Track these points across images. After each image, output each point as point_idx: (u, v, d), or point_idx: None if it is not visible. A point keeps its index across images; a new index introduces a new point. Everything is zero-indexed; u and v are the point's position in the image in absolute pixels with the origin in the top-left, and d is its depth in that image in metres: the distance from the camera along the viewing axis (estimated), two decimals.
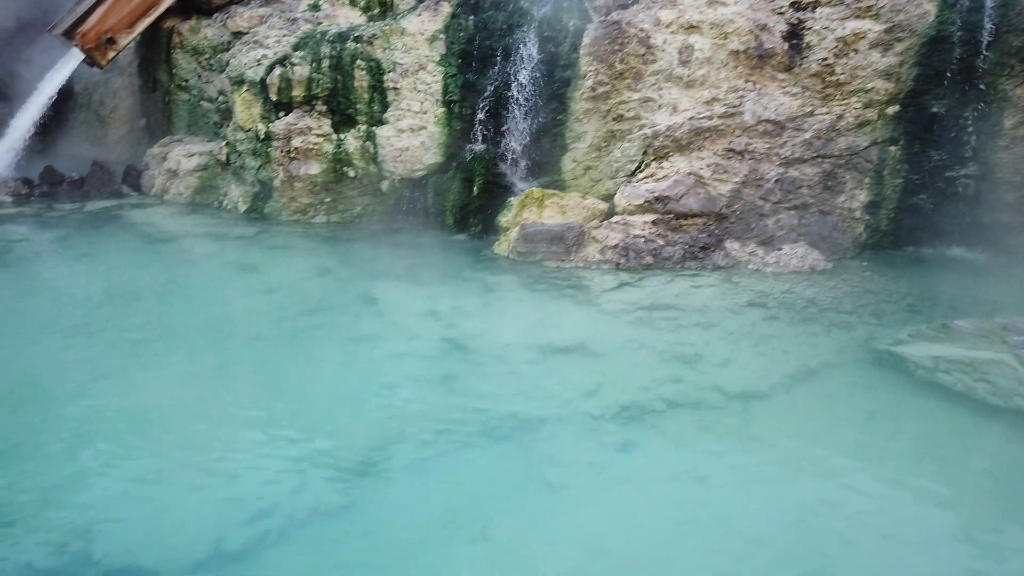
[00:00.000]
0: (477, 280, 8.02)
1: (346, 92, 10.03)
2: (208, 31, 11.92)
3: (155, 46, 12.61)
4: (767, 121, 8.92)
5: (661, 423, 5.32)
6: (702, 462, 4.88)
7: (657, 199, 8.70)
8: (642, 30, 9.16)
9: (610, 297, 7.56)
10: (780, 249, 8.69)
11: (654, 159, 9.12)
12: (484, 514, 4.30)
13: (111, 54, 11.55)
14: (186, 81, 12.32)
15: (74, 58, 11.59)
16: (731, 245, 8.76)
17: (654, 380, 5.90)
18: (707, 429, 5.27)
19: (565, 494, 4.52)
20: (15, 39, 13.73)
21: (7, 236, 8.92)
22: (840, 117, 8.89)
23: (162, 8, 11.72)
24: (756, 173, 8.89)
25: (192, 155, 11.25)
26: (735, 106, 8.97)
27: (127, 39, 11.64)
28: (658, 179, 8.95)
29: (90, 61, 11.48)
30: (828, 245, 8.91)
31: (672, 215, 8.69)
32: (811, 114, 8.93)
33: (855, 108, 8.89)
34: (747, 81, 9.06)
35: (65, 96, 12.60)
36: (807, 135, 8.92)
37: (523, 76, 9.64)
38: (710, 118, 8.96)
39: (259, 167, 10.24)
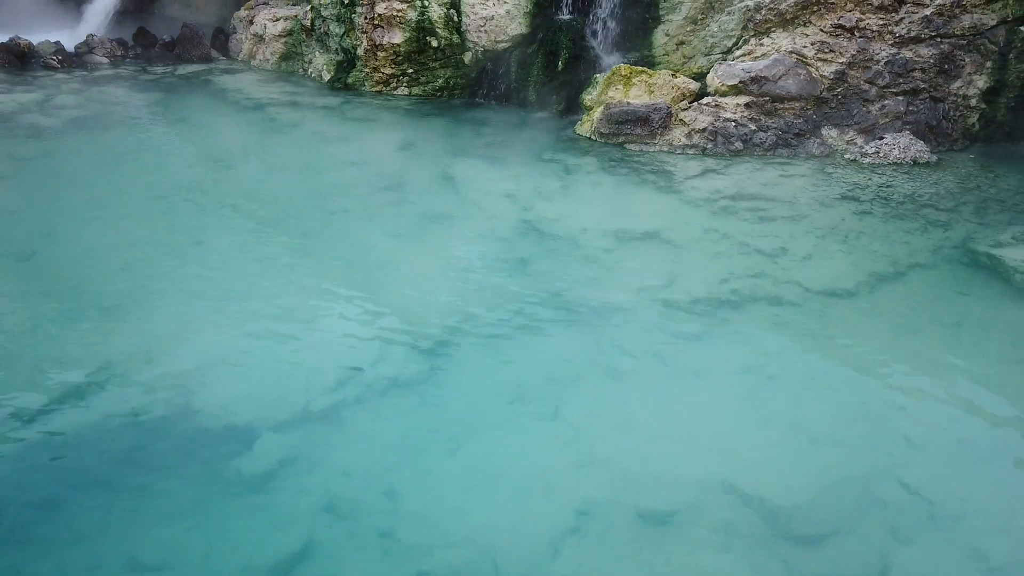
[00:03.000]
0: (557, 161, 7.90)
1: None
2: None
3: None
4: None
5: (735, 317, 5.28)
6: (774, 358, 4.85)
7: (753, 79, 8.21)
8: None
9: (693, 184, 7.34)
10: (881, 138, 8.16)
11: (754, 35, 8.53)
12: (553, 395, 4.45)
13: None
14: None
15: None
16: (828, 132, 8.27)
17: (732, 272, 5.80)
18: (783, 326, 5.20)
19: (633, 381, 4.61)
20: None
21: (106, 99, 9.24)
22: None
23: None
24: (865, 53, 8.22)
25: (278, 19, 11.18)
26: None
27: None
28: (756, 57, 8.40)
29: None
30: (935, 135, 8.30)
31: (767, 98, 8.21)
32: None
33: None
34: None
35: None
36: (928, 11, 8.12)
37: None
38: None
39: (343, 34, 10.11)
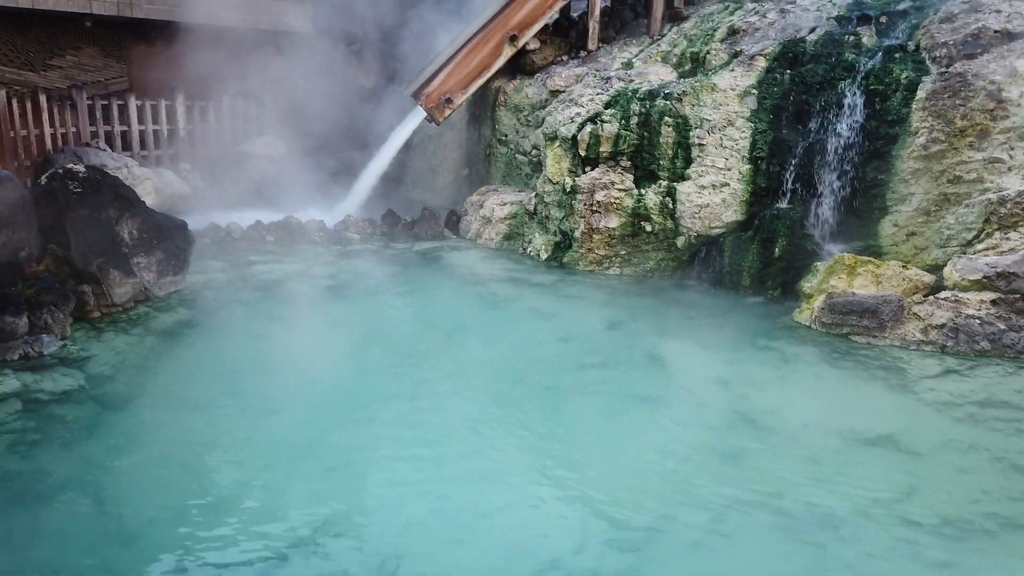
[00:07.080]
0: (773, 349, 7.59)
1: (651, 148, 10.22)
2: (529, 90, 12.97)
3: (483, 104, 14.03)
4: None
5: (992, 546, 4.54)
6: None
7: (1000, 275, 7.53)
8: (993, 82, 8.07)
9: (932, 385, 6.68)
10: None
11: (998, 228, 7.93)
12: None
13: (447, 112, 13.09)
14: (505, 136, 13.50)
15: (418, 115, 13.35)
16: None
17: (985, 492, 5.06)
18: None
19: None
20: (372, 98, 16.22)
21: (353, 270, 10.45)
22: None
23: (493, 71, 13.04)
24: None
25: (505, 204, 12.24)
26: None
27: (461, 98, 13.12)
28: (1002, 252, 7.75)
29: (430, 118, 13.13)
30: None
31: (1018, 295, 7.45)
32: None
33: None
34: None
35: (405, 147, 14.50)
36: None
37: (842, 132, 9.03)
38: None
39: (563, 218, 10.81)
